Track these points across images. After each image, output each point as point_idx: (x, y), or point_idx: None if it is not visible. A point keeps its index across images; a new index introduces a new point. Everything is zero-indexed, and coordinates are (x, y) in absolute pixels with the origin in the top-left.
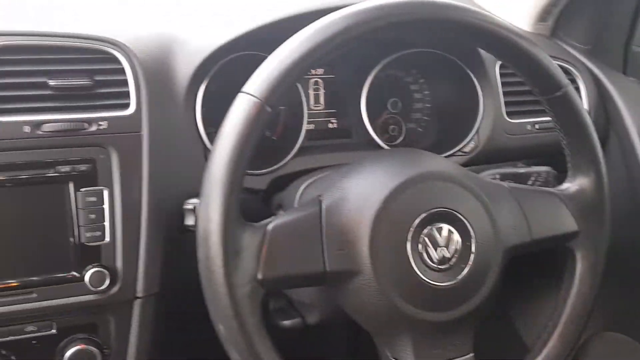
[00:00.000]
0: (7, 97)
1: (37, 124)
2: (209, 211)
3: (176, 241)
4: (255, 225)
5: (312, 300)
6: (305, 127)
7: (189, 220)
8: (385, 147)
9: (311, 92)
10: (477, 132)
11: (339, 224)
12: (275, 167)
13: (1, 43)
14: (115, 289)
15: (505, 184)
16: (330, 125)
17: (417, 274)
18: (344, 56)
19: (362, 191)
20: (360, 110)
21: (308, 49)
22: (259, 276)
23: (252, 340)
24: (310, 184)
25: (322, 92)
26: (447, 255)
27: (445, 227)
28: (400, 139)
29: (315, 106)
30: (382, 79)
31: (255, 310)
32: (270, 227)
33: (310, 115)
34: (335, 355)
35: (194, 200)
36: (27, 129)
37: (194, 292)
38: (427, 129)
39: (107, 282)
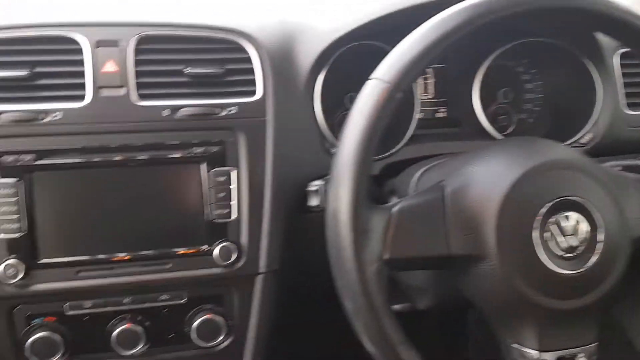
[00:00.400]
0: (148, 83)
1: (175, 109)
2: (339, 192)
3: (295, 221)
4: (381, 207)
5: (426, 284)
6: (417, 115)
7: (313, 201)
8: (499, 136)
9: (420, 81)
10: (595, 123)
11: (463, 209)
12: (387, 153)
13: (143, 33)
14: (240, 263)
15: (631, 175)
16: (438, 115)
17: (544, 262)
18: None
19: (487, 178)
20: (471, 100)
21: (438, 36)
22: (385, 256)
23: (379, 316)
24: (428, 170)
25: (431, 81)
26: (575, 244)
27: (573, 216)
28: (511, 129)
29: (423, 95)
30: (494, 68)
31: (382, 289)
32: (395, 209)
33: (419, 104)
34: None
35: (318, 182)
36: (166, 112)
37: (312, 270)
38: (538, 119)
39: (234, 256)
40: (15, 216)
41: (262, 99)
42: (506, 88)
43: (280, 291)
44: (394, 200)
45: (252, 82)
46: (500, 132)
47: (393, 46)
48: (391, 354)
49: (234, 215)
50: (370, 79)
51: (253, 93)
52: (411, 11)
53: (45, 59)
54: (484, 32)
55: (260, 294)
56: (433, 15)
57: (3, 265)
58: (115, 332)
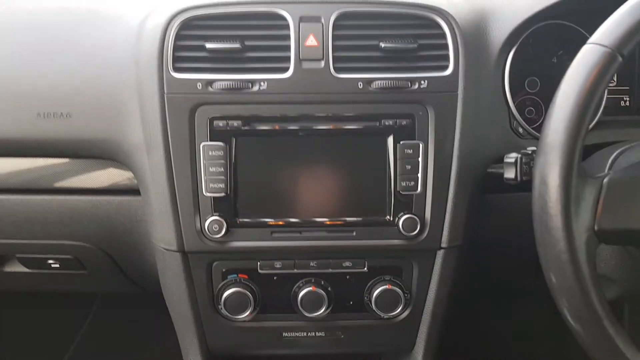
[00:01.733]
0: (345, 57)
1: (369, 81)
2: (550, 158)
3: (479, 198)
4: (592, 177)
5: (616, 274)
6: (603, 103)
7: (509, 173)
8: None
9: None
10: None
11: None
12: None
13: (342, 10)
14: (422, 236)
15: None
16: (622, 103)
17: None
18: None
19: None
20: None
21: None
22: (596, 227)
23: (586, 288)
24: (626, 152)
25: None
26: None
27: None
28: None
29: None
30: None
31: (591, 260)
32: (606, 180)
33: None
34: None
35: (514, 154)
36: (360, 85)
37: (493, 249)
38: None
39: (417, 229)
40: (222, 177)
41: (454, 74)
42: None
43: (459, 267)
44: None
45: (444, 57)
46: None
47: (585, 27)
48: (596, 330)
49: (419, 189)
50: (588, 44)
51: (445, 68)
52: None
53: (254, 34)
54: None
55: (440, 268)
56: None
57: (209, 220)
58: (301, 294)
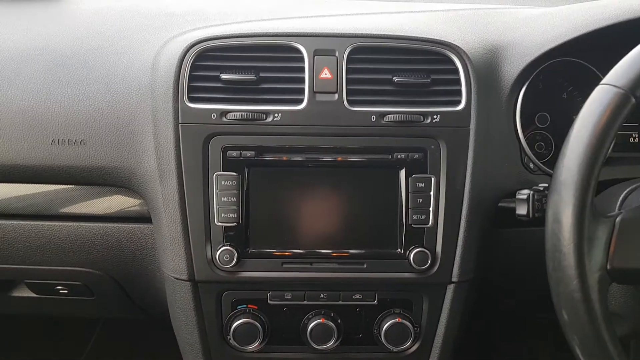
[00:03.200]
0: (359, 90)
1: (381, 114)
2: (564, 196)
3: (490, 233)
4: (604, 215)
5: (626, 311)
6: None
7: (521, 210)
8: None
9: None
10: None
11: None
12: None
13: (356, 44)
14: (433, 270)
15: None
16: (632, 140)
17: None
18: None
19: None
20: None
21: None
22: (608, 266)
23: (598, 327)
24: (635, 190)
25: None
26: None
27: None
28: None
29: None
30: None
31: (603, 299)
32: (618, 219)
33: None
34: None
35: (526, 191)
36: (373, 118)
37: (503, 284)
38: None
39: (428, 263)
40: (234, 207)
41: (466, 109)
42: None
43: (470, 301)
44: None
45: (457, 92)
46: None
47: (596, 65)
48: None
49: (430, 222)
50: (601, 84)
51: (457, 103)
52: (626, 25)
53: (269, 65)
54: None
55: (451, 302)
56: None
57: (220, 250)
58: (311, 325)
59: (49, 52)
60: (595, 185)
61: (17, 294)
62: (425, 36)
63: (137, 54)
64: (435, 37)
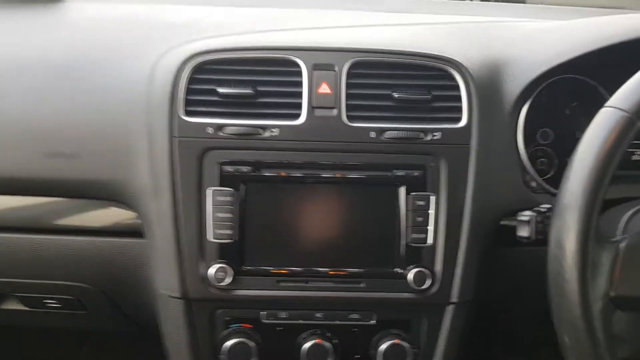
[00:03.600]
0: (358, 105)
1: (381, 131)
2: (567, 221)
3: (490, 252)
4: (608, 241)
5: (626, 333)
6: None
7: (523, 232)
8: None
9: None
10: None
11: None
12: None
13: (355, 59)
14: (433, 290)
15: None
16: (634, 157)
17: None
18: None
19: None
20: None
21: None
22: (612, 293)
23: (601, 355)
24: (639, 212)
25: None
26: None
27: None
28: None
29: None
30: None
31: (606, 327)
32: (623, 245)
33: None
34: None
35: (528, 213)
36: (372, 134)
37: (502, 303)
38: None
39: (428, 283)
40: (229, 223)
41: (467, 126)
42: None
43: (469, 322)
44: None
45: (458, 109)
46: None
47: (600, 82)
48: None
49: (429, 241)
50: (605, 107)
51: (458, 120)
52: (632, 45)
53: (267, 79)
54: None
55: (450, 324)
56: None
57: (215, 268)
58: (306, 346)
59: (46, 63)
60: (599, 211)
61: (7, 306)
62: (426, 51)
63: (135, 66)
64: (436, 53)
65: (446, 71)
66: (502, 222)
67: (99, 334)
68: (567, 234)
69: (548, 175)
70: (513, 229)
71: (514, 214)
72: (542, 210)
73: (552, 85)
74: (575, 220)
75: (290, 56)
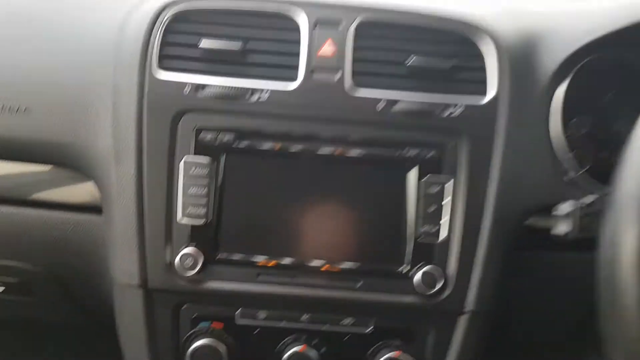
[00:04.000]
0: (366, 71)
1: (391, 102)
2: (622, 226)
3: (514, 256)
4: None
5: None
6: None
7: (562, 228)
8: None
9: None
10: None
11: None
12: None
13: (366, 17)
14: (443, 295)
15: None
16: None
17: None
18: None
19: None
20: None
21: None
22: None
23: None
24: None
25: None
26: None
27: None
28: None
29: None
30: None
31: None
32: None
33: None
34: None
35: (569, 205)
36: (381, 105)
37: (519, 314)
38: None
39: (438, 286)
40: (203, 200)
41: (494, 102)
42: None
43: (484, 335)
44: None
45: (483, 81)
46: None
47: None
48: None
49: (442, 236)
50: None
51: (483, 94)
52: None
53: (259, 35)
54: None
55: (462, 337)
56: None
57: (182, 252)
58: (287, 354)
59: (2, 7)
60: None
61: None
62: (448, 14)
63: (107, 12)
64: (460, 16)
65: (472, 37)
66: (528, 222)
67: (47, 326)
68: (625, 229)
69: (584, 169)
70: (542, 230)
71: (543, 209)
72: (587, 202)
73: (593, 64)
74: (633, 227)
75: (287, 10)
